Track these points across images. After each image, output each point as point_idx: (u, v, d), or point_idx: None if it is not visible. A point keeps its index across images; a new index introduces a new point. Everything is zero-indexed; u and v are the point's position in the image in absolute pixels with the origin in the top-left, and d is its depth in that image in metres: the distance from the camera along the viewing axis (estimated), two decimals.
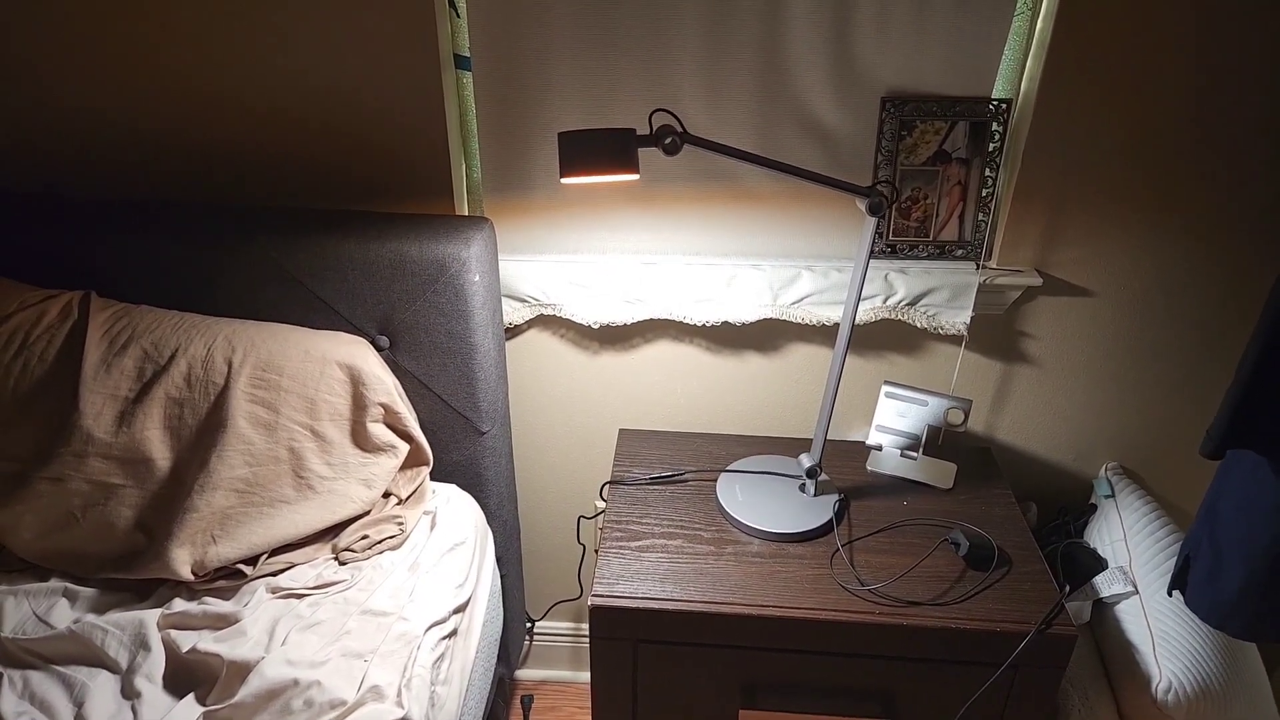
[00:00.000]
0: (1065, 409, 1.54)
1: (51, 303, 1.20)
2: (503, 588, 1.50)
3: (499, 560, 1.47)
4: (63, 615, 1.09)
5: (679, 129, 1.05)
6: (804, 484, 1.39)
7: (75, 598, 1.12)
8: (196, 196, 1.40)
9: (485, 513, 1.41)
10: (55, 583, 1.13)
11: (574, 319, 1.45)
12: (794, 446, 1.51)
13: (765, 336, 1.50)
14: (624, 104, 1.34)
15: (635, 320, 1.45)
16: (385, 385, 1.23)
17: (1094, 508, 1.56)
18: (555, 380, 1.55)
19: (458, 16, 1.31)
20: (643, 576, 1.24)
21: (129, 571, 1.12)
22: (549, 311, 1.45)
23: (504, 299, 1.46)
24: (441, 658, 1.11)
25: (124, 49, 1.30)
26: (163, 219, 1.29)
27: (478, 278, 1.26)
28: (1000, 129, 1.35)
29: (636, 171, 1.04)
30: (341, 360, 1.21)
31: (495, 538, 1.45)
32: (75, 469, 1.12)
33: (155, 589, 1.14)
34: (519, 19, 1.29)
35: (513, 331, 1.51)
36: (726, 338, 1.50)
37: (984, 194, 1.39)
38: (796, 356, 1.52)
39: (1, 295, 1.19)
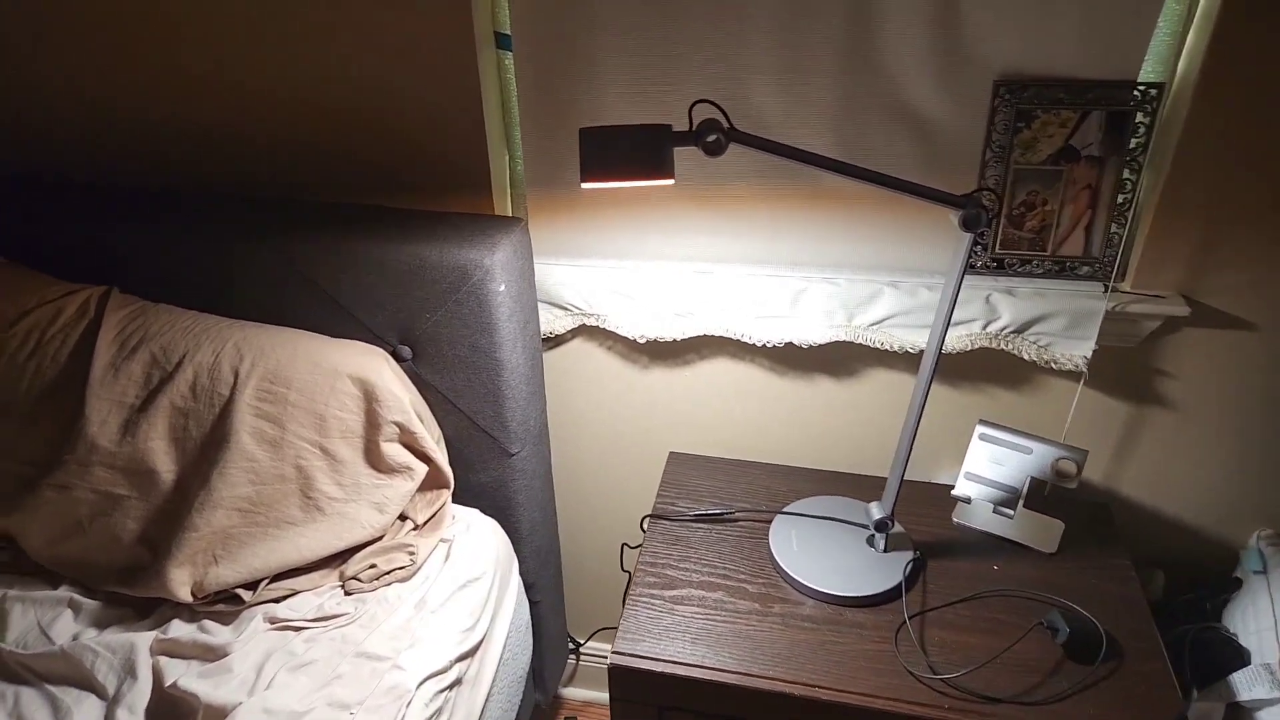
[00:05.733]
0: (1209, 463, 1.26)
1: (70, 299, 1.15)
2: (536, 615, 1.39)
3: (531, 587, 1.36)
4: (65, 628, 1.06)
5: (724, 124, 0.87)
6: (872, 536, 1.19)
7: (80, 610, 1.08)
8: (217, 187, 1.33)
9: (515, 539, 1.29)
10: (64, 591, 1.10)
11: (618, 331, 1.30)
12: (865, 486, 1.31)
13: (839, 358, 1.30)
14: (682, 85, 1.16)
15: (685, 336, 1.28)
16: (400, 403, 1.12)
17: (1238, 583, 1.28)
18: (601, 395, 1.42)
19: None
20: (673, 634, 1.09)
21: (132, 587, 1.07)
22: (591, 322, 1.31)
23: (544, 306, 1.32)
24: (439, 713, 1.01)
25: (139, 32, 1.23)
26: (181, 211, 1.24)
27: (503, 287, 1.13)
28: (1147, 120, 1.09)
29: (671, 176, 0.87)
30: (354, 374, 1.11)
31: (528, 564, 1.33)
32: (80, 478, 1.08)
33: (157, 606, 1.08)
34: None
35: (554, 341, 1.37)
36: (793, 358, 1.32)
37: (1120, 201, 1.14)
38: (875, 383, 1.31)
39: (23, 289, 1.16)
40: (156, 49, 1.24)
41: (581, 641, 1.69)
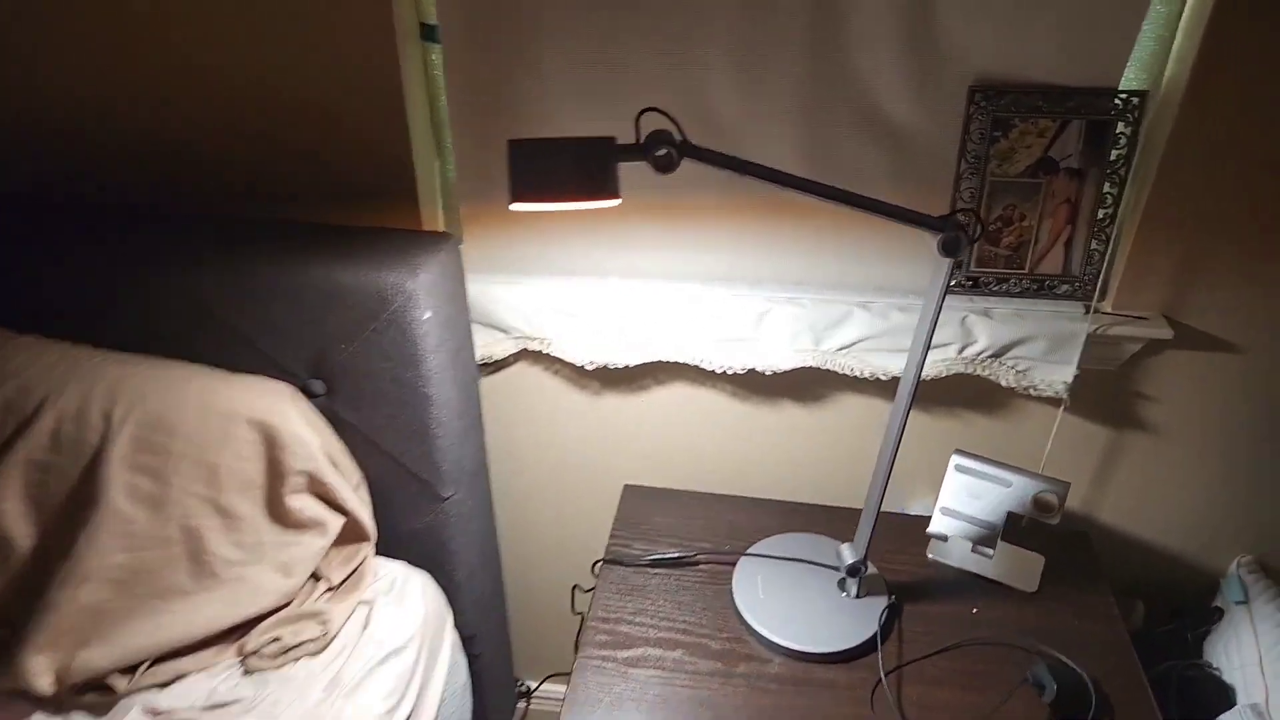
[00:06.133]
0: (1189, 487, 1.20)
1: None
2: (477, 669, 1.25)
3: (471, 640, 1.22)
4: None
5: (676, 136, 0.75)
6: (844, 579, 1.09)
7: None
8: (101, 198, 1.16)
9: (451, 589, 1.16)
10: None
11: (564, 357, 1.17)
12: (836, 520, 1.21)
13: (806, 383, 1.20)
14: (633, 85, 1.04)
15: (638, 363, 1.16)
16: (309, 449, 0.98)
17: (1218, 613, 1.22)
18: (547, 423, 1.29)
19: None
20: (626, 703, 0.97)
21: None
22: (534, 346, 1.18)
23: (481, 327, 1.19)
24: None
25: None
26: (54, 225, 1.06)
27: (429, 314, 0.99)
28: (1129, 130, 1.01)
29: (616, 196, 0.75)
30: (253, 417, 0.96)
31: (467, 616, 1.19)
32: None
33: (15, 699, 0.91)
34: None
35: (494, 365, 1.24)
36: (757, 383, 1.21)
37: (1100, 216, 1.06)
38: (845, 409, 1.21)
39: None
40: (30, 38, 1.07)
41: (533, 686, 1.56)
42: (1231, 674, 1.15)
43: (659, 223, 1.12)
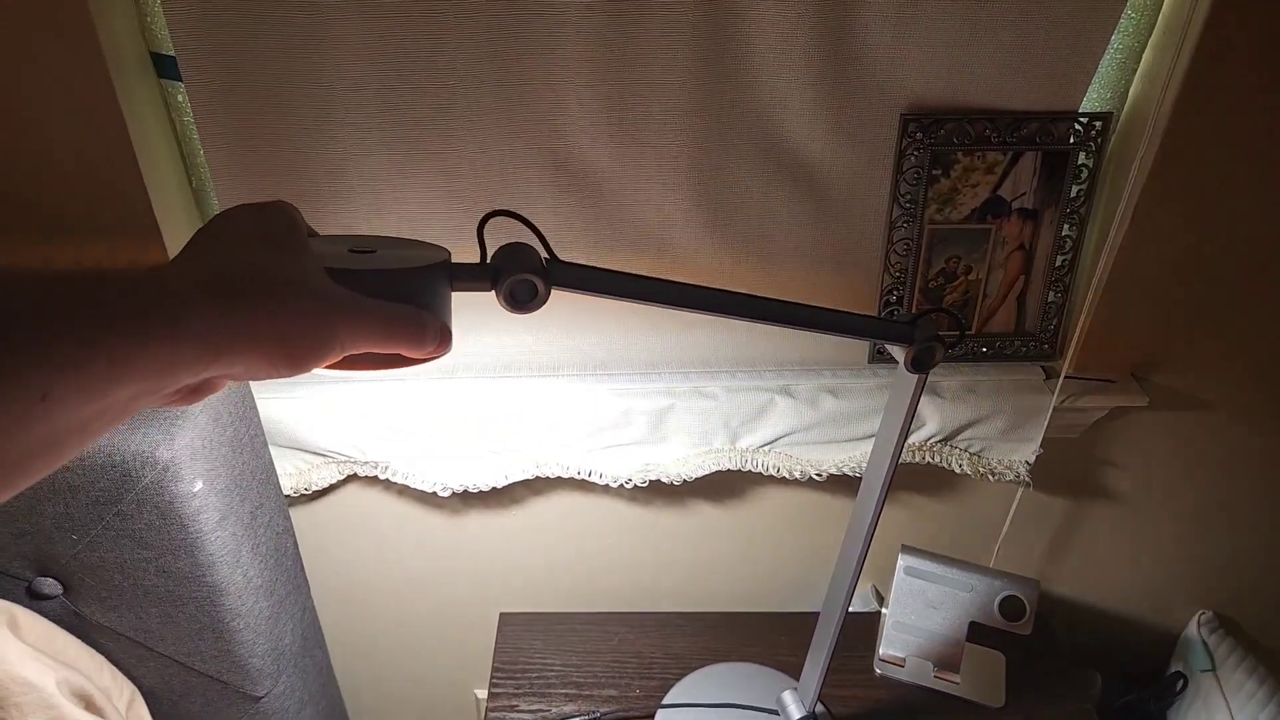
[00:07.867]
0: (1149, 549, 1.07)
1: None
2: None
3: None
4: None
5: (542, 253, 0.49)
6: None
7: None
8: None
9: None
10: None
11: (407, 483, 0.89)
12: (761, 632, 1.00)
13: (721, 478, 0.97)
14: (472, 130, 0.76)
15: (507, 483, 0.90)
16: (40, 693, 0.67)
17: (1181, 680, 1.11)
18: (394, 552, 1.01)
19: None
20: None
21: None
22: (366, 471, 0.90)
23: (288, 451, 0.89)
24: None
25: None
26: None
27: (200, 486, 0.69)
28: (1090, 161, 0.83)
29: (445, 345, 0.49)
30: None
31: None
32: None
33: None
34: None
35: (317, 494, 0.95)
36: (659, 484, 0.97)
37: (1059, 263, 0.88)
38: (766, 504, 1.00)
39: None
40: None
41: None
42: None
43: None
